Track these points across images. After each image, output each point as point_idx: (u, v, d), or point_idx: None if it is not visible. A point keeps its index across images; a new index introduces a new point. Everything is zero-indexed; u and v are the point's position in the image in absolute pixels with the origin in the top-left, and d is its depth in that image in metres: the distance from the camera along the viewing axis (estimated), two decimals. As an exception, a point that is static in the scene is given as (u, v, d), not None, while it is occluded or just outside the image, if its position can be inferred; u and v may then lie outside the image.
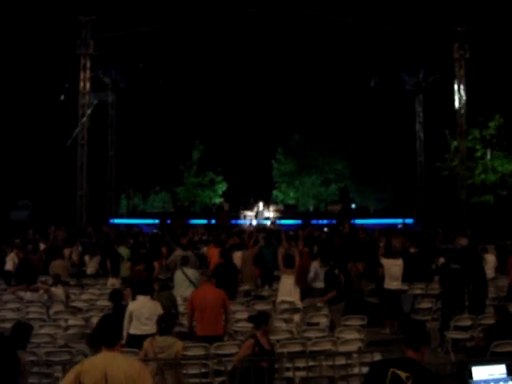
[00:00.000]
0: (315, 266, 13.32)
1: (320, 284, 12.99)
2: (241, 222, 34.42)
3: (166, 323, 7.94)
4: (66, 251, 17.03)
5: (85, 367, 4.81)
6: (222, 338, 9.52)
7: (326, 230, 25.49)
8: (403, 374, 4.69)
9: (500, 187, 30.72)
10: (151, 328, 8.69)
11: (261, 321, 8.18)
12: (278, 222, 32.29)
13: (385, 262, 12.92)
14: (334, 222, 30.40)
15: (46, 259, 16.65)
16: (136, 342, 8.64)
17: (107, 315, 5.92)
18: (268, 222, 32.20)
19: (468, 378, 5.53)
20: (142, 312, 9.15)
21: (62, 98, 29.59)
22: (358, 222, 31.20)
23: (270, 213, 36.11)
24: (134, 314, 9.12)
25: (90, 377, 4.70)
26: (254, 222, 33.63)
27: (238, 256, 15.07)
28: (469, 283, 12.24)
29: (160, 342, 7.74)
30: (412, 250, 15.60)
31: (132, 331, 9.13)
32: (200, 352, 8.89)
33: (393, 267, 12.78)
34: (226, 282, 12.34)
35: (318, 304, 11.87)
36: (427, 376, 4.77)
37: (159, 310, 9.10)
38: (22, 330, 7.67)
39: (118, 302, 10.26)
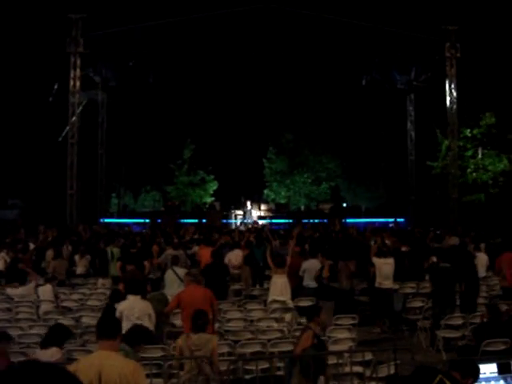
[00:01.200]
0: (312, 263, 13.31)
1: (315, 283, 12.99)
2: (231, 221, 34.37)
3: (202, 320, 7.92)
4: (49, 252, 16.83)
5: (80, 366, 4.82)
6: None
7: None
8: None
9: (491, 186, 30.83)
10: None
11: (313, 313, 8.41)
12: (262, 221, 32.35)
13: (376, 261, 12.93)
14: (325, 221, 30.39)
15: (36, 259, 16.59)
16: None
17: (107, 310, 5.95)
18: (253, 222, 32.18)
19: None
20: (133, 312, 9.04)
21: (51, 98, 29.40)
22: (350, 221, 31.23)
23: (259, 212, 36.02)
24: (125, 314, 8.97)
25: (85, 376, 4.68)
26: (238, 222, 33.65)
27: (235, 254, 15.05)
28: (460, 282, 12.27)
29: (195, 339, 7.72)
30: (403, 248, 15.61)
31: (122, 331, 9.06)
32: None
33: (384, 266, 12.79)
34: (217, 282, 12.32)
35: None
36: None
37: (150, 310, 9.04)
38: (60, 331, 7.77)
39: (116, 302, 10.21)
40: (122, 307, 9.07)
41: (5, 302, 12.92)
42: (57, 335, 7.68)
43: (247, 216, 34.50)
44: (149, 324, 8.76)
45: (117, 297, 10.29)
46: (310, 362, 7.49)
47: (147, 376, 7.52)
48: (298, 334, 10.08)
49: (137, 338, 7.12)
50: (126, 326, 9.01)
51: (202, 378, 7.45)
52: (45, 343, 7.66)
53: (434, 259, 13.61)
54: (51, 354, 7.37)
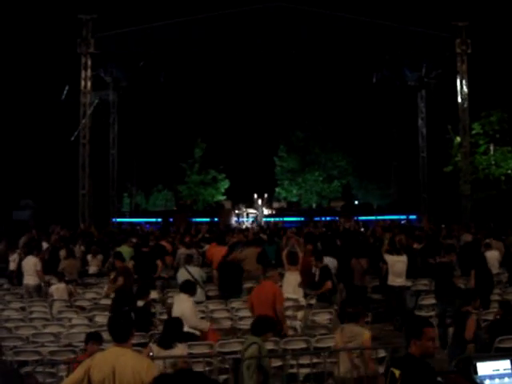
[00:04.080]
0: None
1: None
2: (244, 219, 34.36)
3: (354, 310, 8.01)
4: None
5: (95, 362, 4.87)
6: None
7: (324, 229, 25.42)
8: (397, 372, 4.82)
9: (504, 182, 30.63)
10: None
11: (471, 297, 9.04)
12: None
13: (389, 258, 12.87)
14: (336, 218, 30.32)
15: (49, 259, 16.66)
16: None
17: (117, 312, 5.96)
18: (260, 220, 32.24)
19: (473, 373, 5.52)
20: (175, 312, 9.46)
21: (63, 98, 29.49)
22: (362, 218, 31.13)
23: (269, 210, 35.99)
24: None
25: (99, 371, 4.75)
26: (250, 221, 33.64)
27: (252, 251, 15.00)
28: (467, 278, 12.27)
29: (348, 330, 7.79)
30: (416, 246, 15.55)
31: None
32: (204, 350, 8.89)
33: (397, 264, 12.74)
34: (231, 280, 12.36)
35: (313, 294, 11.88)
36: (418, 371, 4.82)
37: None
38: (174, 324, 7.88)
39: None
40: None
41: (19, 302, 13.02)
42: (175, 331, 7.73)
43: (259, 214, 34.49)
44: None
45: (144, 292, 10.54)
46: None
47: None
48: (310, 331, 10.15)
49: (263, 328, 7.58)
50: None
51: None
52: (166, 342, 7.60)
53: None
54: (179, 353, 7.46)
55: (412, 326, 5.22)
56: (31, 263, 14.49)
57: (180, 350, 7.50)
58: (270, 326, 7.75)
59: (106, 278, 15.41)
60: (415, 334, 5.03)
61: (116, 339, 5.05)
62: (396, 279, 12.68)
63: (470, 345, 8.25)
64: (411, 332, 5.08)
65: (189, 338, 8.76)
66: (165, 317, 10.64)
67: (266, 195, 37.15)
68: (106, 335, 9.01)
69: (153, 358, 7.13)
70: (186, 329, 8.59)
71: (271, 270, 10.60)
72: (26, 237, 19.46)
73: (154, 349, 7.53)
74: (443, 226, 22.79)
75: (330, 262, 13.15)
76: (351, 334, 7.73)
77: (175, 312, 9.47)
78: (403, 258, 12.88)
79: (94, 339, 7.66)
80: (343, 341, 7.75)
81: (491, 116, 30.25)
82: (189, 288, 9.86)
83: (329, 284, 11.82)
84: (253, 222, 33.33)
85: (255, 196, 36.30)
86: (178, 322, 7.98)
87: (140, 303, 10.37)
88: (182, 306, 9.47)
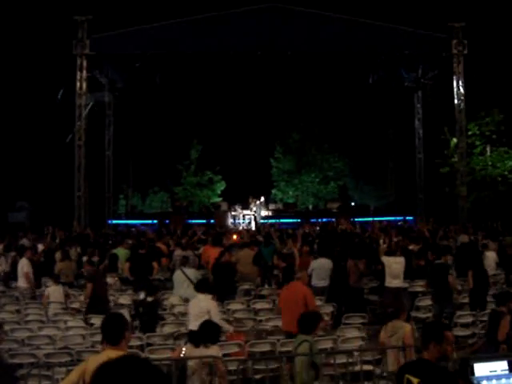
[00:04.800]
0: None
1: (323, 283, 12.97)
2: (240, 221, 34.30)
3: (395, 307, 8.60)
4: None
5: (89, 366, 4.81)
6: None
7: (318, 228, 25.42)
8: (415, 380, 4.65)
9: (500, 183, 30.66)
10: None
11: (506, 299, 9.04)
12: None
13: (386, 259, 12.86)
14: (333, 220, 30.29)
15: (44, 261, 16.61)
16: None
17: (111, 314, 5.95)
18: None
19: (470, 374, 5.50)
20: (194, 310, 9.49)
21: (59, 99, 29.40)
22: (358, 220, 31.10)
23: (266, 212, 35.92)
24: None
25: None
26: (245, 222, 33.61)
27: (247, 253, 14.98)
28: (464, 279, 12.26)
29: (390, 326, 8.24)
30: (411, 247, 15.55)
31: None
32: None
33: (394, 265, 12.72)
34: (224, 281, 12.33)
35: None
36: (440, 379, 4.71)
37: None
38: (211, 326, 7.87)
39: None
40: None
41: (14, 304, 12.97)
42: (210, 332, 7.72)
43: (257, 215, 34.42)
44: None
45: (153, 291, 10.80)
46: None
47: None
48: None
49: (310, 325, 7.78)
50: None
51: None
52: (201, 341, 7.62)
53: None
54: (213, 352, 7.47)
55: (433, 329, 5.17)
56: (21, 266, 14.51)
57: (214, 350, 7.51)
58: (317, 321, 7.95)
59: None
60: (436, 337, 4.99)
61: (109, 341, 5.01)
62: (393, 280, 12.67)
63: (503, 345, 8.26)
64: (432, 335, 5.02)
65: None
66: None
67: (262, 198, 37.06)
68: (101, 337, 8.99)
69: (185, 359, 7.33)
70: None
71: (300, 272, 10.61)
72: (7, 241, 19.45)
73: (187, 349, 7.58)
74: (440, 226, 22.80)
75: (325, 263, 13.14)
76: (393, 328, 8.13)
77: (195, 312, 9.42)
78: (400, 260, 12.87)
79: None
80: (386, 336, 8.17)
81: (488, 117, 30.30)
82: (206, 287, 9.86)
83: None
84: (249, 223, 33.29)
85: (250, 198, 36.24)
86: (214, 324, 7.98)
87: (149, 299, 10.51)
88: (205, 305, 9.40)
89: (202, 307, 9.28)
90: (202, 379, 7.25)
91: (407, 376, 4.69)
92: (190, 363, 7.31)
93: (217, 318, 9.29)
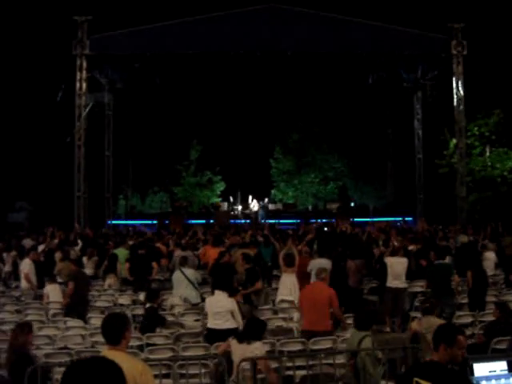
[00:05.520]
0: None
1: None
2: (239, 221, 34.28)
3: (430, 303, 8.76)
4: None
5: None
6: (326, 334, 9.55)
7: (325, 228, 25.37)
8: None
9: (500, 184, 30.71)
10: (222, 323, 9.33)
11: None
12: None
13: (389, 260, 12.85)
14: (333, 220, 30.28)
15: (44, 261, 16.60)
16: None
17: (111, 313, 5.94)
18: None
19: (469, 374, 5.50)
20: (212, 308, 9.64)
21: (58, 99, 29.37)
22: (358, 220, 31.12)
23: (266, 212, 35.92)
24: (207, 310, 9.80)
25: None
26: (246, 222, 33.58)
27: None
28: (464, 279, 12.25)
29: (425, 322, 8.36)
30: (411, 247, 15.55)
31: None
32: (199, 352, 8.86)
33: (396, 265, 12.71)
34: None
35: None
36: (452, 382, 4.59)
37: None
38: (258, 323, 8.00)
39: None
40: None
41: (14, 305, 12.96)
42: (256, 329, 7.83)
43: (259, 215, 34.42)
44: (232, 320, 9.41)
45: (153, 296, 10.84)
46: None
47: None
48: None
49: (368, 322, 7.90)
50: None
51: None
52: (245, 337, 7.74)
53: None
54: (256, 348, 7.58)
55: (445, 332, 5.09)
56: (22, 266, 14.56)
57: (258, 346, 7.62)
58: (374, 318, 8.14)
59: (101, 280, 15.41)
60: (448, 340, 4.91)
61: (109, 341, 5.00)
62: (394, 281, 12.66)
63: None
64: (443, 338, 4.95)
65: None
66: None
67: (266, 200, 37.05)
68: (100, 337, 9.00)
69: (230, 353, 7.60)
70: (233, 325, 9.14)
71: (322, 272, 10.53)
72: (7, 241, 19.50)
73: (233, 344, 7.74)
74: (439, 227, 22.82)
75: (324, 263, 13.12)
76: (428, 324, 8.12)
77: (213, 310, 9.54)
78: (403, 260, 12.86)
79: None
80: (421, 329, 8.33)
81: (487, 118, 30.35)
82: (224, 285, 9.97)
83: (258, 285, 11.94)
84: (250, 223, 33.27)
85: (250, 198, 36.23)
86: (260, 321, 8.13)
87: (149, 305, 10.64)
88: (224, 303, 9.53)
89: (221, 306, 9.42)
90: (247, 375, 7.37)
91: (416, 379, 4.43)
92: (235, 358, 7.48)
93: (239, 317, 9.40)
